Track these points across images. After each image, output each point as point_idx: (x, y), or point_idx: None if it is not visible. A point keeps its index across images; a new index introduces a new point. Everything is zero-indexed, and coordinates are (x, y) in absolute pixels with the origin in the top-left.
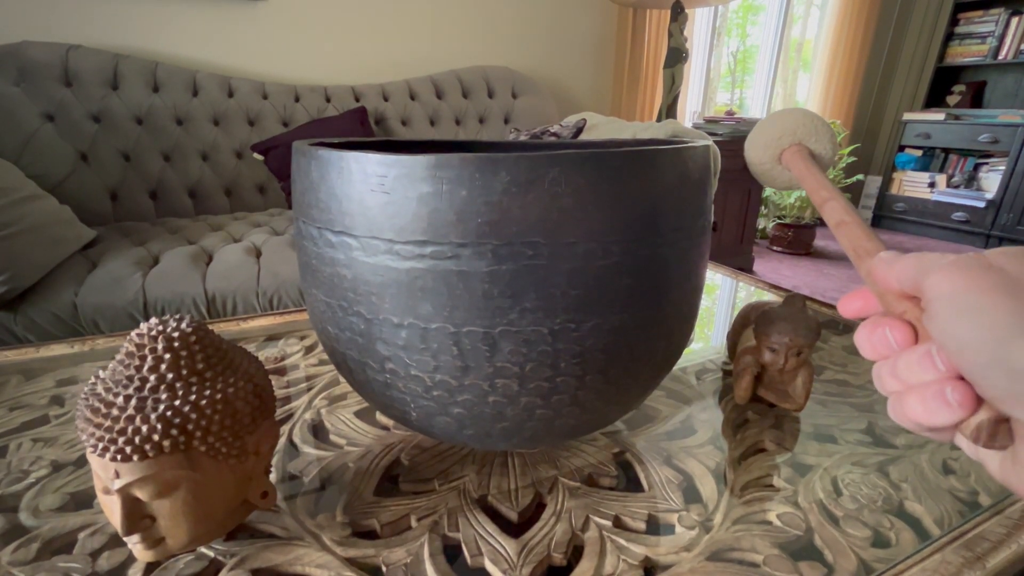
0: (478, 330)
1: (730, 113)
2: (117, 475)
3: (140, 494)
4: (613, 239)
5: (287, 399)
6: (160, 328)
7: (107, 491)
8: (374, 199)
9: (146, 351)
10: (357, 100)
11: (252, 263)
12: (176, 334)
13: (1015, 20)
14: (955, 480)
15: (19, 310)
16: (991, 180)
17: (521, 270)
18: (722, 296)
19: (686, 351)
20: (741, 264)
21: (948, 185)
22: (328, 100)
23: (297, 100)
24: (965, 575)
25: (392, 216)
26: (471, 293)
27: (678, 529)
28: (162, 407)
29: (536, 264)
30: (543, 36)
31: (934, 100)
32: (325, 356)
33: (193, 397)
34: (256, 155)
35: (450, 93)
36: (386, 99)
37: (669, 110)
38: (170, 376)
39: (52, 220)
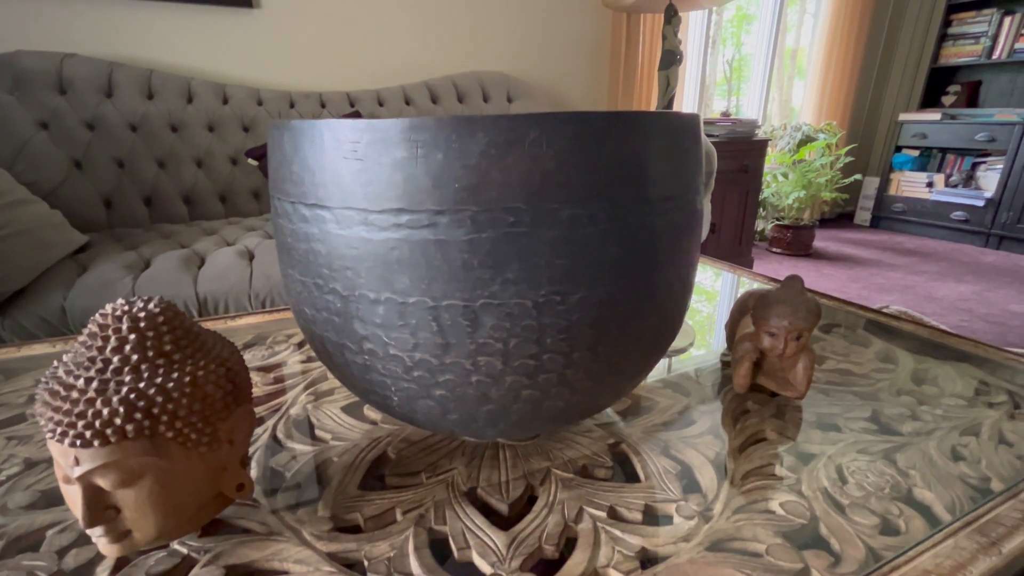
0: (458, 303)
1: (725, 114)
2: (77, 462)
3: (102, 482)
4: (599, 205)
5: (273, 395)
6: (126, 308)
7: (68, 480)
8: (347, 167)
9: (109, 331)
10: (352, 106)
11: (245, 266)
12: (143, 314)
13: (1008, 20)
14: (965, 466)
15: (6, 314)
16: (989, 179)
17: (502, 238)
18: (723, 294)
19: (686, 352)
20: (741, 266)
21: (946, 184)
22: (323, 106)
23: (292, 106)
24: (980, 561)
25: (366, 184)
26: (450, 264)
27: (676, 519)
28: (125, 389)
29: (518, 232)
30: (538, 41)
31: (930, 100)
32: (313, 353)
33: (160, 380)
34: (250, 161)
35: (445, 98)
36: (381, 104)
37: None
38: (135, 358)
39: (41, 224)
